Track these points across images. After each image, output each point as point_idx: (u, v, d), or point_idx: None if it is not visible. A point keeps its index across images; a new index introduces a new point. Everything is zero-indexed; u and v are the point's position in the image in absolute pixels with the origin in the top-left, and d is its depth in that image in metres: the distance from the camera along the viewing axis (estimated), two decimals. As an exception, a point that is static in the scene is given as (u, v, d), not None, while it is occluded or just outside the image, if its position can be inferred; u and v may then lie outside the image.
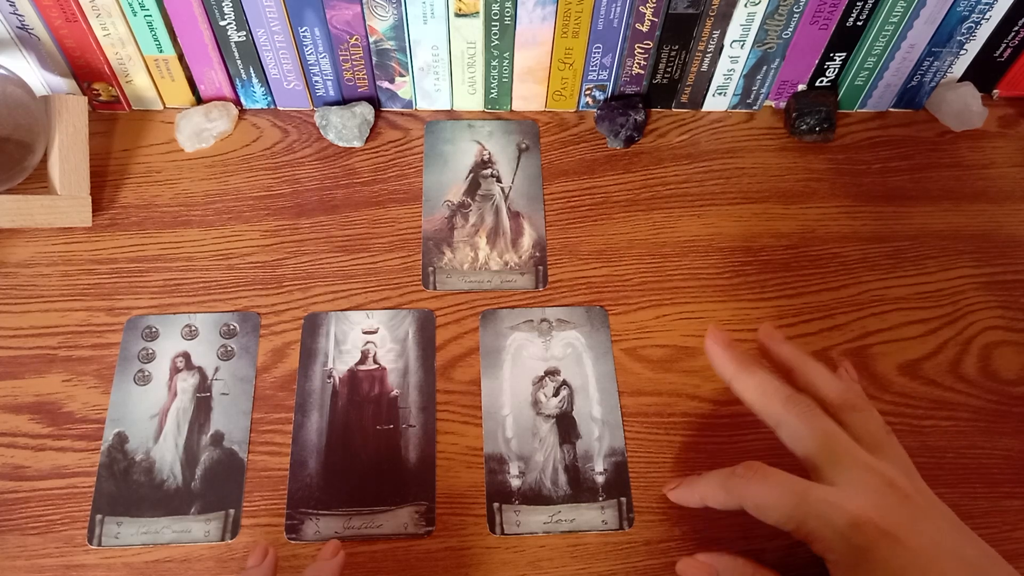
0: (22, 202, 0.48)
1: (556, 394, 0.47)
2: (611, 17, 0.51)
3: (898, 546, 0.32)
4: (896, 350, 0.49)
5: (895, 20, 0.52)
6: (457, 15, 0.51)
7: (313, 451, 0.45)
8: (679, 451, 0.45)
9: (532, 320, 0.49)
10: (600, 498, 0.44)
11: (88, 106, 0.52)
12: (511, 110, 0.58)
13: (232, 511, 0.43)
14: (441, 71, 0.55)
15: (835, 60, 0.56)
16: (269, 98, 0.57)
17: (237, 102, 0.57)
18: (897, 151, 0.58)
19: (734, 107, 0.59)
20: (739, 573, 0.38)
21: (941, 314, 0.50)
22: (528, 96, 0.57)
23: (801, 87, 0.58)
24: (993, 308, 0.51)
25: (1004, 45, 0.56)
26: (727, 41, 0.53)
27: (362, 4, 0.50)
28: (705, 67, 0.55)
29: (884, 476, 0.35)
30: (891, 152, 0.58)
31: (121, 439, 0.45)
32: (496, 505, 0.43)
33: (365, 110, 0.56)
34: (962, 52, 0.56)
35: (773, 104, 0.59)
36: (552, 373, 0.47)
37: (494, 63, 0.54)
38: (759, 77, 0.56)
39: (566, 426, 0.46)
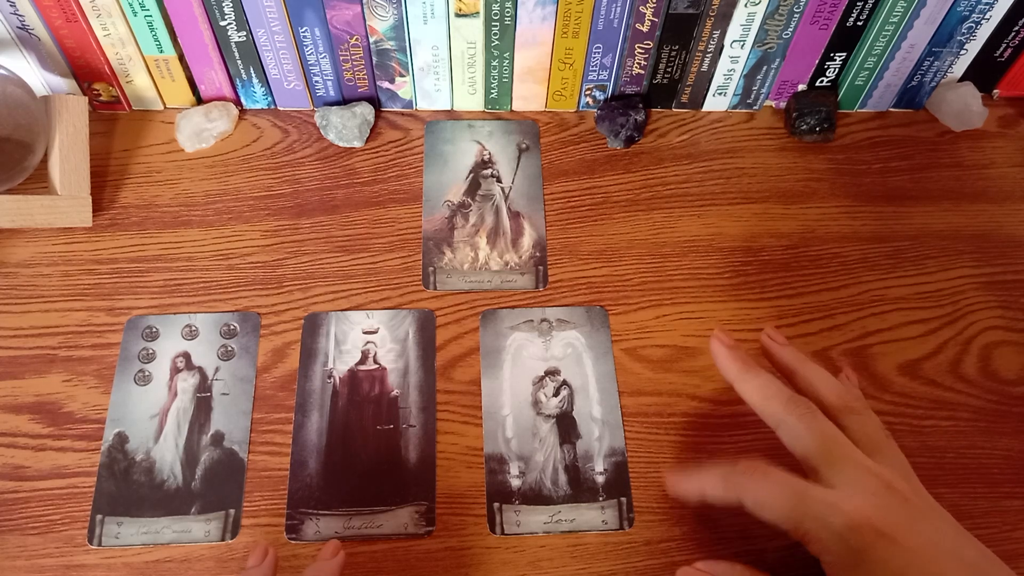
0: (22, 202, 0.48)
1: (556, 394, 0.47)
2: (611, 17, 0.51)
3: (896, 547, 0.32)
4: (896, 350, 0.49)
5: (895, 20, 0.52)
6: (457, 15, 0.51)
7: (313, 451, 0.45)
8: (679, 451, 0.45)
9: (532, 320, 0.49)
10: (600, 498, 0.44)
11: (88, 106, 0.52)
12: (511, 110, 0.58)
13: (232, 511, 0.43)
14: (441, 71, 0.55)
15: (835, 60, 0.56)
16: (269, 98, 0.57)
17: (237, 102, 0.57)
18: (897, 151, 0.58)
19: (734, 107, 0.59)
20: None
21: (941, 314, 0.50)
22: (528, 96, 0.57)
23: (801, 87, 0.58)
24: (993, 308, 0.51)
25: (1004, 45, 0.56)
26: (727, 41, 0.53)
27: (362, 4, 0.50)
28: (705, 67, 0.55)
29: (882, 478, 0.35)
30: (891, 152, 0.58)
31: (121, 439, 0.45)
32: (496, 505, 0.43)
33: (365, 110, 0.56)
34: (962, 52, 0.56)
35: (773, 104, 0.60)
36: (552, 373, 0.47)
37: (494, 63, 0.54)
38: (759, 77, 0.56)
39: (566, 426, 0.46)
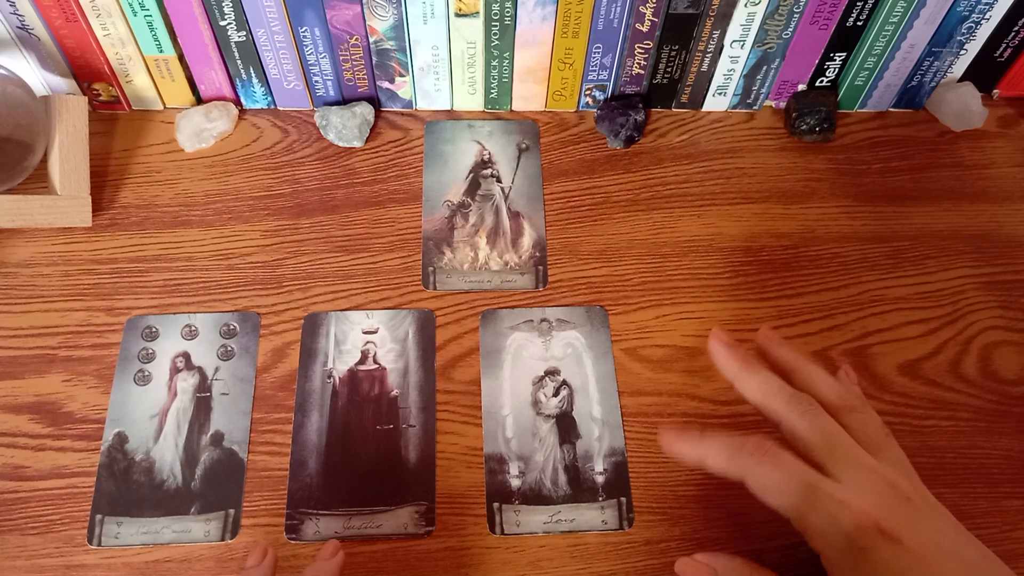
0: (22, 202, 0.48)
1: (556, 394, 0.47)
2: (611, 17, 0.51)
3: (899, 548, 0.32)
4: (896, 350, 0.49)
5: (895, 20, 0.52)
6: (457, 15, 0.51)
7: (313, 451, 0.45)
8: (679, 451, 0.45)
9: (532, 320, 0.49)
10: (600, 498, 0.44)
11: (88, 106, 0.52)
12: (511, 110, 0.58)
13: (232, 511, 0.43)
14: (441, 71, 0.55)
15: (835, 60, 0.56)
16: (269, 98, 0.57)
17: (237, 102, 0.57)
18: (897, 151, 0.58)
19: (734, 107, 0.59)
20: (737, 573, 0.37)
21: (941, 314, 0.50)
22: (528, 96, 0.57)
23: (801, 87, 0.58)
24: (993, 308, 0.51)
25: (1004, 45, 0.56)
26: (727, 41, 0.53)
27: (362, 4, 0.50)
28: (705, 67, 0.55)
29: (885, 477, 0.35)
30: (891, 152, 0.58)
31: (121, 439, 0.45)
32: (496, 505, 0.43)
33: (365, 110, 0.56)
34: (962, 52, 0.56)
35: (773, 104, 0.59)
36: (552, 373, 0.47)
37: (494, 63, 0.54)
38: (759, 77, 0.56)
39: (566, 426, 0.46)
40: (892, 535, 0.33)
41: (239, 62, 0.54)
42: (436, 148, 0.56)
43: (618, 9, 0.51)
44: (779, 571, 0.37)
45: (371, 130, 0.57)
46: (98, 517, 0.42)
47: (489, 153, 0.56)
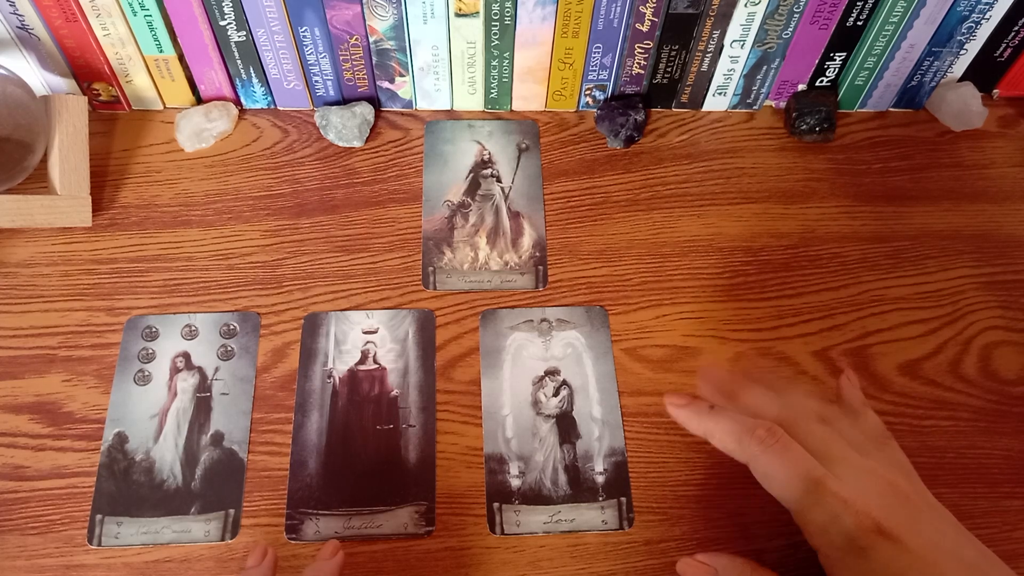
0: (22, 202, 0.48)
1: (556, 394, 0.47)
2: (611, 17, 0.51)
3: (900, 547, 0.32)
4: (896, 350, 0.49)
5: (895, 20, 0.52)
6: (457, 15, 0.51)
7: (313, 451, 0.45)
8: (679, 451, 0.45)
9: (532, 320, 0.49)
10: (600, 498, 0.44)
11: (88, 106, 0.52)
12: (511, 110, 0.58)
13: (232, 511, 0.43)
14: (441, 71, 0.55)
15: (835, 60, 0.56)
16: (269, 98, 0.57)
17: (237, 102, 0.57)
18: (897, 151, 0.58)
19: (734, 107, 0.59)
20: (738, 573, 0.38)
21: (941, 314, 0.50)
22: (528, 96, 0.57)
23: (801, 87, 0.58)
24: (993, 308, 0.51)
25: (1004, 45, 0.56)
26: (727, 41, 0.53)
27: (362, 4, 0.50)
28: (705, 67, 0.55)
29: (885, 477, 0.35)
30: (891, 152, 0.58)
31: (121, 439, 0.45)
32: (496, 505, 0.43)
33: (365, 110, 0.56)
34: (962, 52, 0.56)
35: (773, 104, 0.59)
36: (552, 373, 0.47)
37: (494, 63, 0.54)
38: (759, 77, 0.56)
39: (566, 426, 0.46)
40: (892, 535, 0.33)
41: (239, 62, 0.54)
42: (436, 148, 0.56)
43: (618, 9, 0.51)
44: (779, 571, 0.37)
45: (371, 130, 0.57)
46: (98, 517, 0.42)
47: (489, 153, 0.56)
